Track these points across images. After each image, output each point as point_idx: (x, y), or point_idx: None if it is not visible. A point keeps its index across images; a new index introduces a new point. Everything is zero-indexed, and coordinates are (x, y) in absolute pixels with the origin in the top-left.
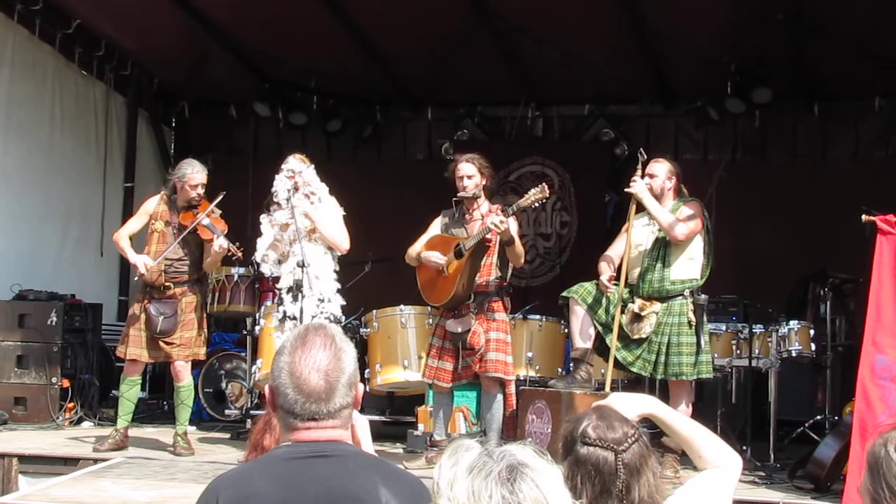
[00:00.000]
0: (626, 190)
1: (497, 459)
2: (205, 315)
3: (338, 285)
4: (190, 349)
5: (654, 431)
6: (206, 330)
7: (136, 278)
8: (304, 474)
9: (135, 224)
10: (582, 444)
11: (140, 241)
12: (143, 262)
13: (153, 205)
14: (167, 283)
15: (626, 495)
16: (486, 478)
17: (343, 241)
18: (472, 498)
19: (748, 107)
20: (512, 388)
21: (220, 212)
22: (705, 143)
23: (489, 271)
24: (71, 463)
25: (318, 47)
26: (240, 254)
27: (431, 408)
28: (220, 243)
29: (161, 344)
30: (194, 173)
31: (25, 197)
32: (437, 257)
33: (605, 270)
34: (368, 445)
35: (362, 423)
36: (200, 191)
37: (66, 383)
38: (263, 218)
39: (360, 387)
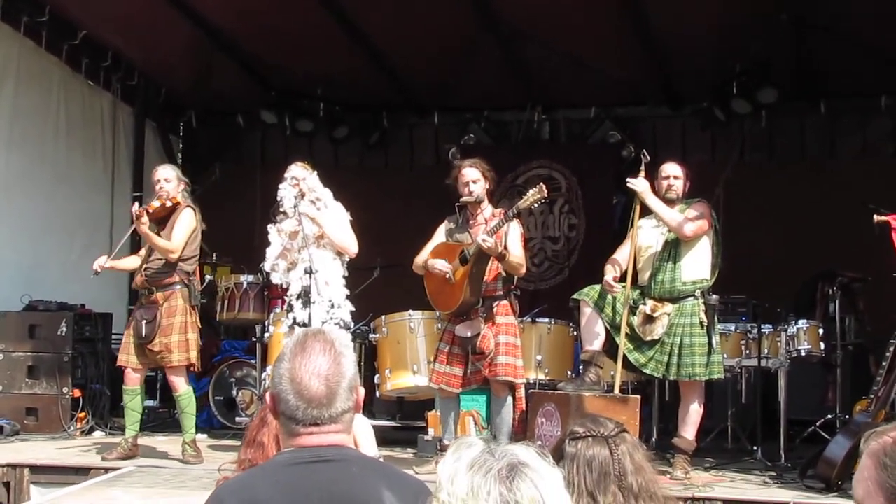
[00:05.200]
0: (628, 181)
1: (498, 458)
2: (194, 320)
3: (347, 291)
4: (173, 354)
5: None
6: (195, 335)
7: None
8: (307, 479)
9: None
10: (572, 441)
11: None
12: (97, 262)
13: None
14: (150, 287)
15: (624, 478)
16: (485, 475)
17: (352, 245)
18: (470, 493)
19: (754, 107)
20: (522, 392)
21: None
22: (713, 144)
23: (496, 275)
24: (82, 473)
25: (324, 55)
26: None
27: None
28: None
29: (146, 350)
30: (155, 170)
31: (33, 208)
32: (442, 265)
33: (610, 271)
34: (370, 448)
35: (365, 426)
36: (164, 184)
37: (77, 393)
38: (271, 227)
39: (361, 391)
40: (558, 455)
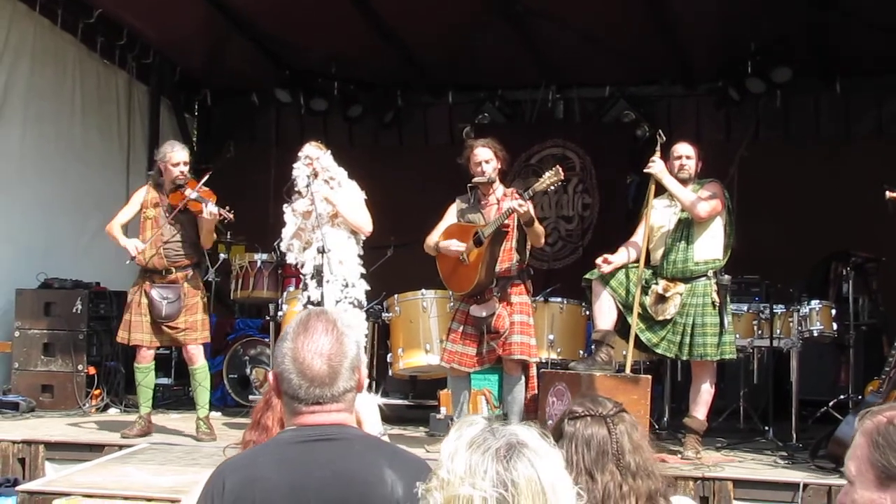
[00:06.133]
0: (645, 170)
1: (498, 437)
2: (206, 299)
3: (362, 270)
4: (198, 332)
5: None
6: (207, 314)
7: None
8: (309, 457)
9: (126, 213)
10: (570, 420)
11: (133, 231)
12: (133, 246)
13: (142, 194)
14: (169, 267)
15: (622, 457)
16: (483, 453)
17: (366, 224)
18: (468, 471)
19: (769, 86)
20: (533, 371)
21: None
22: (727, 124)
23: (509, 256)
24: (96, 449)
25: (338, 33)
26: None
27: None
28: (209, 210)
29: (165, 329)
30: (174, 152)
31: (48, 187)
32: (456, 245)
33: (622, 252)
34: (373, 426)
35: (369, 404)
36: (183, 168)
37: (92, 370)
38: (286, 207)
39: (364, 370)
40: (557, 434)
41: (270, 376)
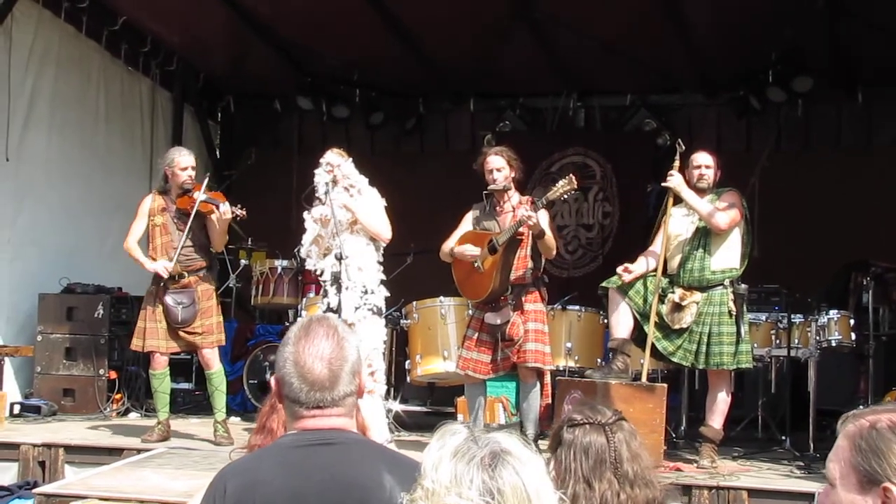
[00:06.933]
0: (663, 185)
1: (481, 445)
2: (219, 302)
3: (382, 276)
4: (214, 336)
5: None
6: (221, 316)
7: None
8: (309, 462)
9: (139, 227)
10: (569, 428)
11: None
12: (163, 267)
13: (148, 202)
14: (181, 272)
15: (620, 466)
16: (468, 462)
17: (384, 231)
18: (454, 481)
19: (790, 95)
20: (548, 379)
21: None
22: (748, 133)
23: (524, 263)
24: (115, 453)
25: (359, 40)
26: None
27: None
28: (222, 210)
29: (181, 334)
30: (181, 157)
31: (72, 192)
32: (471, 250)
33: (640, 262)
34: (379, 433)
35: (376, 411)
36: (191, 173)
37: (113, 375)
38: (306, 214)
39: (364, 375)
40: (556, 441)
41: (272, 380)
